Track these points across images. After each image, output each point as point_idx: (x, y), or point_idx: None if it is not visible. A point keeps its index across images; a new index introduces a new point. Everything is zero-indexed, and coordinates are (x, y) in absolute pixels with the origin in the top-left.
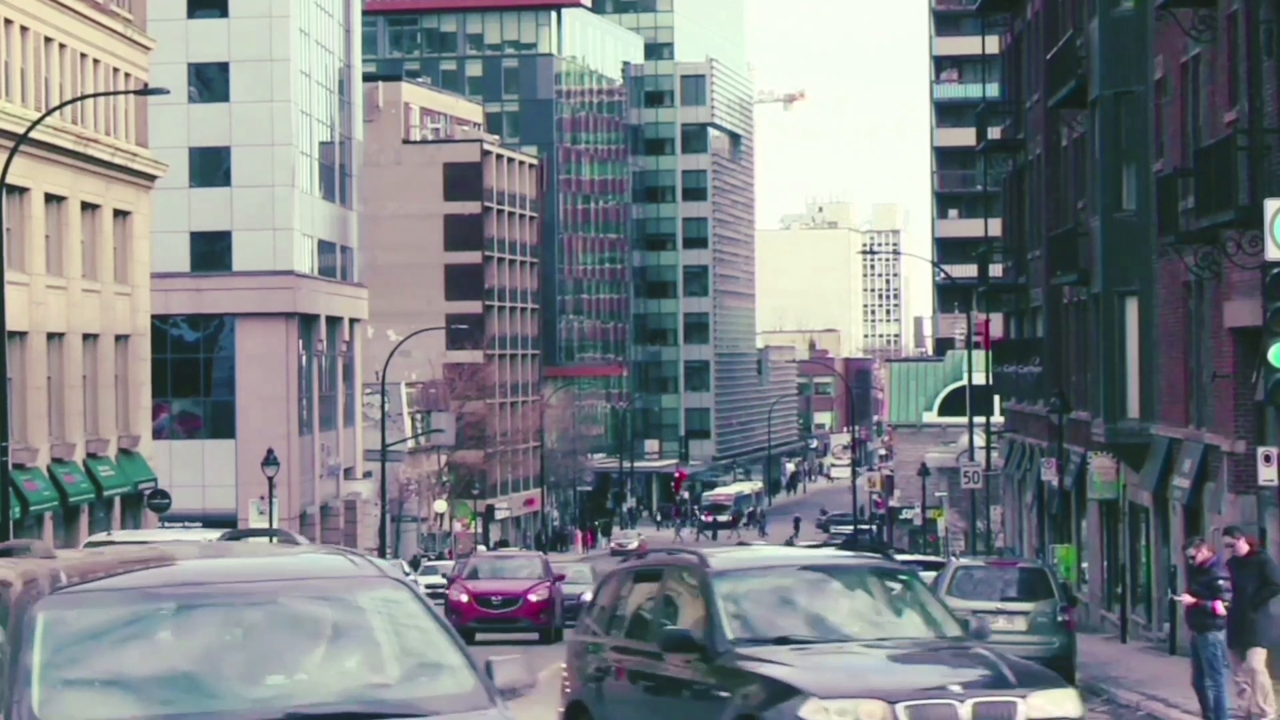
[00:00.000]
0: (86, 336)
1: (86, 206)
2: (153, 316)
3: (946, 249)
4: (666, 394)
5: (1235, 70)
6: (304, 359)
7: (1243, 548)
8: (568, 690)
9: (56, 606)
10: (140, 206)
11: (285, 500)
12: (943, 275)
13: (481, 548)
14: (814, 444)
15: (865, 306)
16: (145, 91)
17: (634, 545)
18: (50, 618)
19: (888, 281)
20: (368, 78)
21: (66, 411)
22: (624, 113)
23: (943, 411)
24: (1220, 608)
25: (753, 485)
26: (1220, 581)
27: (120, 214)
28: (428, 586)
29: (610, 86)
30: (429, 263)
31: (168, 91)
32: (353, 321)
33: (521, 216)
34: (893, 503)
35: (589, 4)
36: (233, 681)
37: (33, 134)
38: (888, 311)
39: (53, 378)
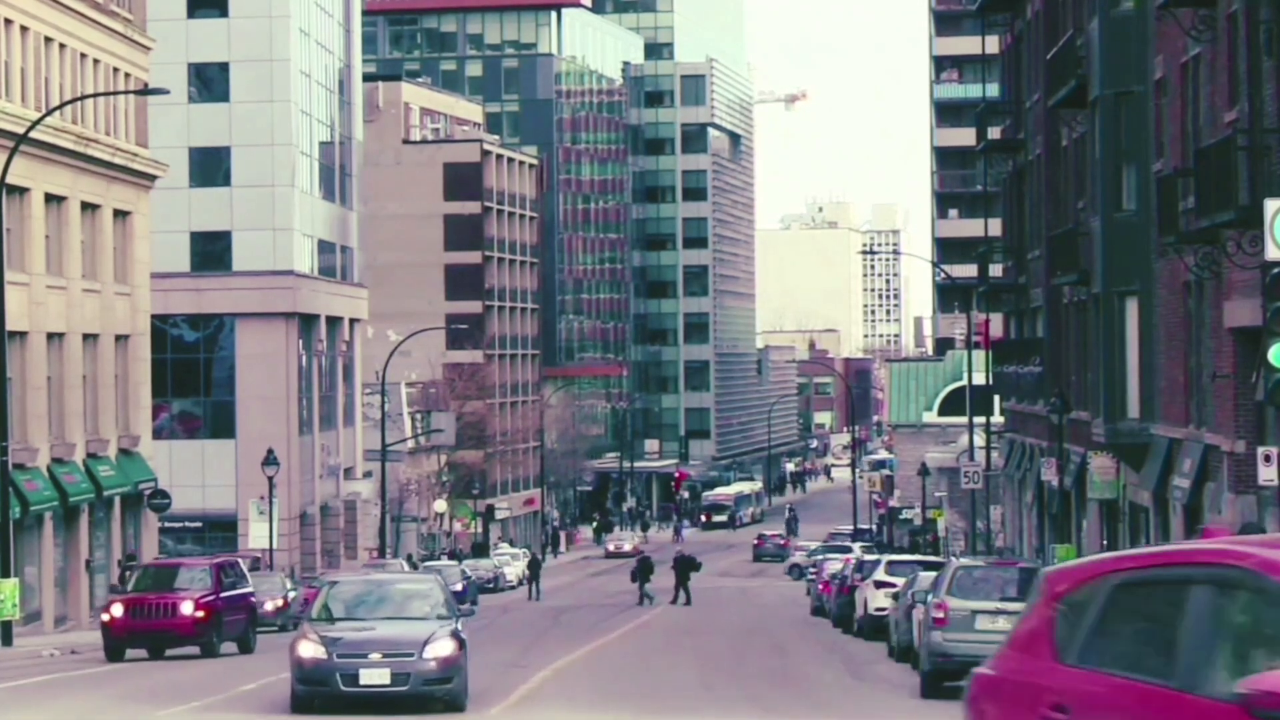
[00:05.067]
0: (86, 336)
1: (86, 206)
2: (153, 316)
3: (946, 249)
4: (666, 394)
5: (1235, 70)
6: (304, 359)
7: None
8: None
9: None
10: (140, 206)
11: (285, 500)
12: (943, 275)
13: (504, 544)
14: (814, 444)
15: (865, 306)
16: (145, 91)
17: (630, 547)
18: None
19: (888, 281)
20: (368, 78)
21: (66, 411)
22: (624, 113)
23: (943, 411)
24: None
25: (753, 485)
26: None
27: (120, 214)
28: None
29: (610, 86)
30: (429, 263)
31: (168, 91)
32: (353, 321)
33: (521, 216)
34: (893, 503)
35: (589, 4)
36: None
37: (33, 134)
38: (888, 311)
39: (53, 378)
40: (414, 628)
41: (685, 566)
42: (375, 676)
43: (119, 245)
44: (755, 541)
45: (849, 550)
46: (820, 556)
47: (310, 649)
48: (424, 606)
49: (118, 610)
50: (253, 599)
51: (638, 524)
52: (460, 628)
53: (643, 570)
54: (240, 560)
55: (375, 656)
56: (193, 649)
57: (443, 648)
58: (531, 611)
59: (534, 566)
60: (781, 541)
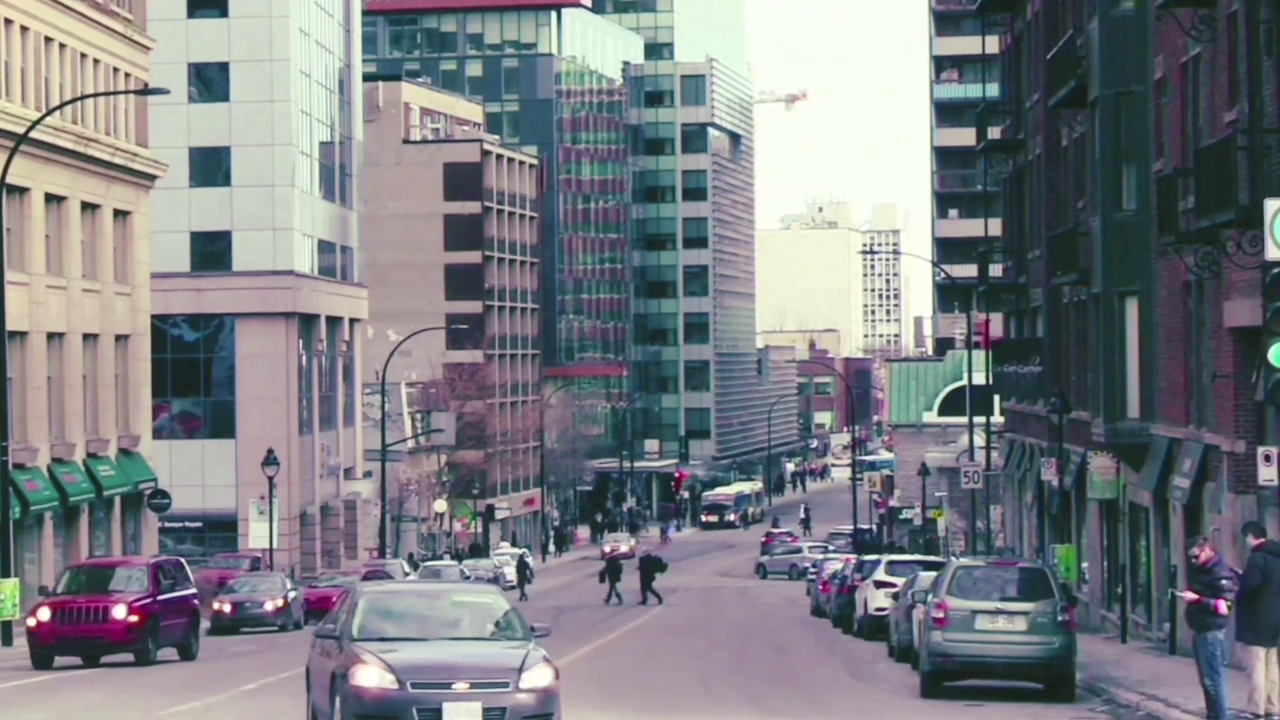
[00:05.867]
0: (86, 336)
1: (86, 206)
2: (153, 316)
3: (946, 249)
4: (666, 394)
5: (1235, 70)
6: (304, 359)
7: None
8: None
9: None
10: (140, 206)
11: (285, 500)
12: (943, 275)
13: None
14: (814, 444)
15: (865, 306)
16: (145, 91)
17: (626, 549)
18: None
19: (888, 281)
20: (368, 78)
21: (66, 411)
22: (624, 113)
23: (943, 411)
24: (1223, 607)
25: (753, 485)
26: (1223, 581)
27: (120, 214)
28: None
29: (610, 86)
30: (429, 263)
31: (168, 91)
32: (353, 321)
33: (521, 216)
34: (893, 503)
35: (589, 4)
36: None
37: (33, 134)
38: (888, 311)
39: (53, 378)
40: (500, 651)
41: (650, 567)
42: (462, 713)
43: (119, 245)
44: (764, 539)
45: (800, 551)
46: (779, 556)
47: (374, 676)
48: (487, 623)
49: (44, 615)
50: (195, 601)
51: (624, 525)
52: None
53: (611, 571)
54: (183, 560)
55: (461, 687)
56: (127, 656)
57: (540, 676)
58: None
59: (521, 568)
60: (791, 540)
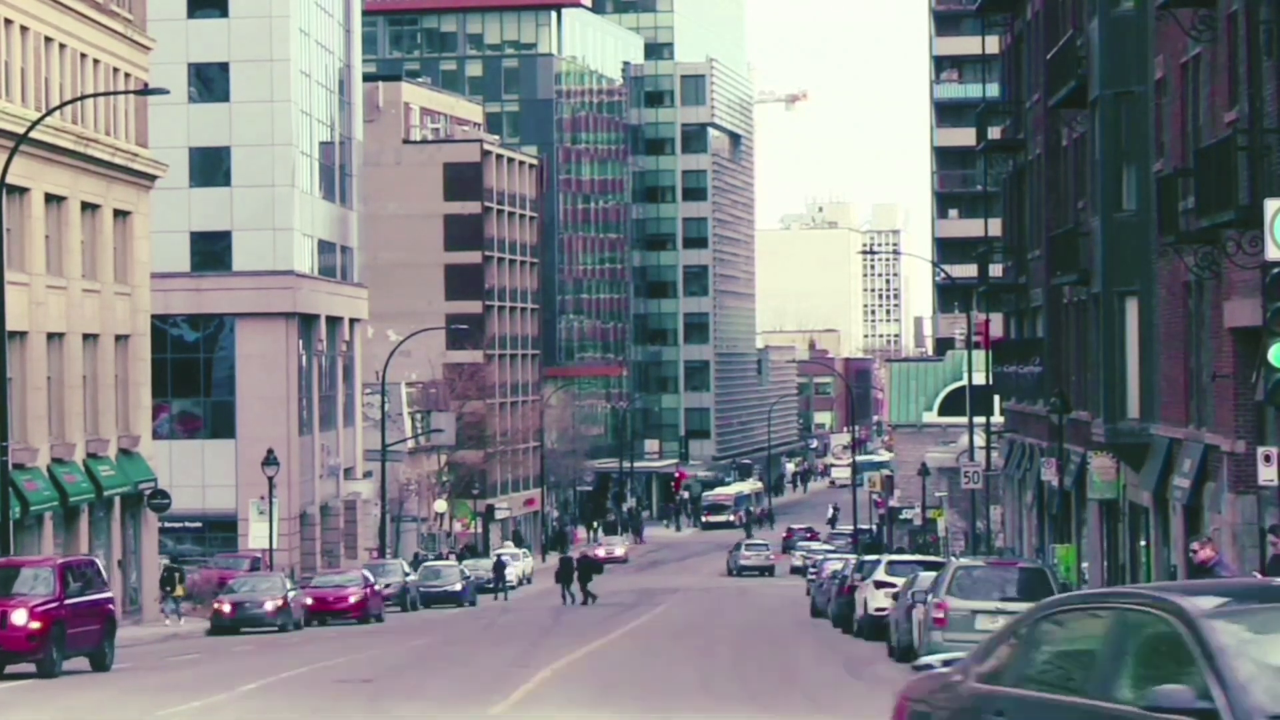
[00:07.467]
0: (86, 336)
1: (86, 206)
2: (153, 316)
3: (946, 249)
4: (666, 394)
5: (1235, 70)
6: (304, 359)
7: None
8: None
9: None
10: (140, 206)
11: (285, 500)
12: (943, 275)
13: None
14: (814, 444)
15: (865, 306)
16: (145, 91)
17: (621, 551)
18: None
19: (888, 281)
20: (368, 78)
21: (66, 411)
22: (624, 113)
23: (943, 411)
24: None
25: (753, 485)
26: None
27: (120, 214)
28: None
29: (610, 86)
30: (429, 263)
31: (168, 91)
32: (353, 321)
33: (521, 216)
34: (893, 503)
35: (589, 4)
36: None
37: (33, 134)
38: (888, 311)
39: (53, 378)
40: None
41: (587, 568)
42: None
43: (119, 245)
44: (784, 535)
45: (739, 548)
46: (750, 552)
47: None
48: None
49: None
50: (110, 606)
51: (630, 528)
52: None
53: (564, 571)
54: (97, 559)
55: None
56: (28, 666)
57: None
58: (532, 612)
59: (499, 568)
60: (811, 536)
